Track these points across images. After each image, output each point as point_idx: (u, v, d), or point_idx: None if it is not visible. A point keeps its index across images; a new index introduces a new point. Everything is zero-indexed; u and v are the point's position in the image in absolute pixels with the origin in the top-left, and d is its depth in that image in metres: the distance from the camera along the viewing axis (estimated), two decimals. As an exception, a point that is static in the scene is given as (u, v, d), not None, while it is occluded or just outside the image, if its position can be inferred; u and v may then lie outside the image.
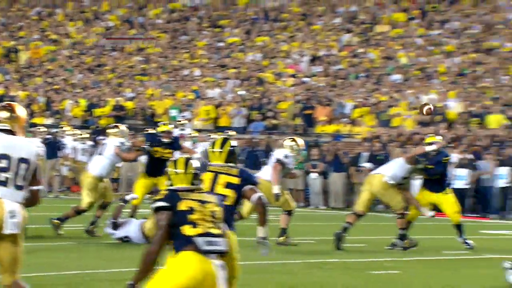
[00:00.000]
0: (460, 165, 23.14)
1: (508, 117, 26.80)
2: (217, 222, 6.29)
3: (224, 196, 7.76)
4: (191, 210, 6.23)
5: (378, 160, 24.52)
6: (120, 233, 13.96)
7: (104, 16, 40.88)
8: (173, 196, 6.30)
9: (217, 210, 6.35)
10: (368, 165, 24.71)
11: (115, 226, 14.03)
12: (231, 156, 7.98)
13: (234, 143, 8.13)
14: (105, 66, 36.53)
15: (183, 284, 6.02)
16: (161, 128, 15.45)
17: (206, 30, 38.24)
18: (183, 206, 6.24)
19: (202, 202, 6.31)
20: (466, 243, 14.55)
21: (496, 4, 34.49)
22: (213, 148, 8.08)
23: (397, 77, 31.44)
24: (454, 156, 23.03)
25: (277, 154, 14.61)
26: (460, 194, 20.48)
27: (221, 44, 36.92)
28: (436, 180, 14.73)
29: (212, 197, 6.45)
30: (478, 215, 22.61)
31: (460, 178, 22.86)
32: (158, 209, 6.27)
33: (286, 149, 14.61)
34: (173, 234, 6.20)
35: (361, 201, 14.52)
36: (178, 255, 6.14)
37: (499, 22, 33.11)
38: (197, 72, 34.87)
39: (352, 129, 28.23)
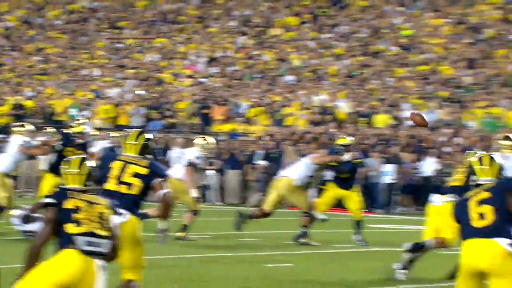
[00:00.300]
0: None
1: (394, 116, 27.43)
2: (104, 223, 6.26)
3: (130, 184, 7.76)
4: (76, 209, 6.19)
5: (272, 157, 24.81)
6: (27, 227, 13.71)
7: (3, 17, 40.05)
8: (61, 194, 6.29)
9: (106, 212, 6.31)
10: (262, 162, 24.95)
11: (27, 219, 13.73)
12: (145, 149, 7.96)
13: (149, 136, 8.10)
14: (4, 66, 35.83)
15: (60, 281, 5.98)
16: (77, 129, 15.17)
17: (105, 31, 37.89)
18: (69, 204, 6.22)
19: (91, 203, 6.28)
20: (360, 240, 14.78)
21: (382, 9, 35.18)
22: (128, 140, 8.04)
23: (290, 78, 31.80)
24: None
25: (189, 155, 14.55)
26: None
27: (120, 45, 36.65)
28: (345, 177, 14.94)
29: (103, 199, 6.41)
30: (365, 210, 23.02)
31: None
32: (46, 205, 6.25)
33: (196, 148, 14.59)
34: (57, 231, 6.18)
35: (268, 201, 14.63)
36: (60, 253, 6.12)
37: (385, 27, 33.80)
38: (96, 72, 34.54)
39: (247, 128, 28.43)
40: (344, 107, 28.34)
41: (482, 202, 6.87)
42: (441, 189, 11.17)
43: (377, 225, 18.74)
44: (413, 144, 25.14)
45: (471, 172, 7.20)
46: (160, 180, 7.83)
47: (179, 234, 14.36)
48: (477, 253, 6.71)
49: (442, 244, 10.76)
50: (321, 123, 27.61)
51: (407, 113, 27.61)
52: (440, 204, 10.83)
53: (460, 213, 6.93)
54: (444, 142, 25.03)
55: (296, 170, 14.63)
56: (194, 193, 14.24)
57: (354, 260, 12.80)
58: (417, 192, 23.78)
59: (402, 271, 10.63)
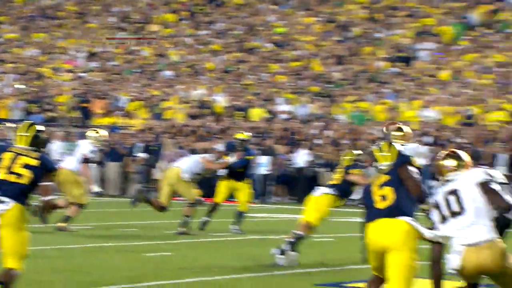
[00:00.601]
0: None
1: (268, 110, 27.72)
2: None
3: (20, 175, 7.65)
4: None
5: (152, 150, 24.70)
6: None
7: None
8: None
9: None
10: (142, 155, 24.82)
11: None
12: (35, 140, 7.83)
13: (40, 128, 7.96)
14: None
15: None
16: None
17: (-16, 26, 36.90)
18: None
19: None
20: (237, 230, 14.92)
21: (256, 7, 35.47)
22: (18, 131, 7.91)
23: (168, 73, 31.72)
24: (221, 146, 23.55)
25: (82, 149, 14.30)
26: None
27: (-1, 39, 35.77)
28: (239, 171, 15.08)
29: None
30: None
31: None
32: None
33: (90, 141, 14.36)
34: None
35: (163, 195, 14.57)
36: None
37: (259, 24, 34.09)
38: (-25, 66, 33.59)
39: (127, 121, 28.23)
40: (221, 101, 28.46)
41: (383, 185, 7.12)
42: (323, 185, 11.57)
43: (254, 214, 18.92)
44: (287, 136, 25.47)
45: (373, 159, 7.43)
46: (48, 184, 7.73)
47: (60, 224, 14.15)
48: (381, 232, 6.93)
49: (308, 228, 11.04)
50: (199, 116, 27.67)
51: (281, 107, 27.98)
52: (319, 195, 11.17)
53: (366, 198, 7.14)
54: (315, 134, 25.46)
55: (187, 164, 14.67)
56: (96, 188, 14.14)
57: (232, 248, 12.90)
58: (290, 183, 24.12)
59: (281, 256, 10.81)
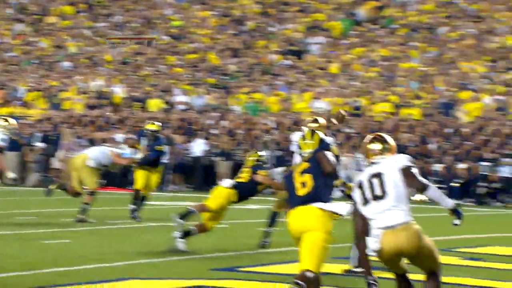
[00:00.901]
0: (126, 144, 23.41)
1: (166, 101, 27.58)
2: None
3: None
4: None
5: (50, 140, 24.26)
6: None
7: None
8: None
9: None
10: (40, 144, 24.36)
11: None
12: None
13: None
14: None
15: None
16: None
17: None
18: None
19: None
20: (135, 216, 14.83)
21: (153, 1, 35.22)
22: None
23: (67, 64, 31.19)
24: (120, 136, 23.34)
25: None
26: (125, 169, 20.74)
27: None
28: (152, 160, 15.04)
29: None
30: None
31: (125, 155, 23.08)
32: None
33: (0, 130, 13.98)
34: None
35: (74, 181, 14.32)
36: None
37: (156, 17, 33.86)
38: None
39: (25, 112, 27.65)
40: (119, 92, 28.16)
41: (303, 172, 7.07)
42: (231, 179, 11.65)
43: (151, 202, 18.81)
44: (184, 126, 25.40)
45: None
46: None
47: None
48: (298, 219, 6.90)
49: (202, 209, 11.11)
50: (97, 107, 27.31)
51: (178, 98, 27.88)
52: (226, 186, 11.20)
53: (288, 186, 7.10)
54: (211, 125, 25.47)
55: (95, 153, 14.48)
56: (11, 175, 13.77)
57: (130, 235, 12.79)
58: (187, 171, 24.07)
59: (182, 239, 10.79)
